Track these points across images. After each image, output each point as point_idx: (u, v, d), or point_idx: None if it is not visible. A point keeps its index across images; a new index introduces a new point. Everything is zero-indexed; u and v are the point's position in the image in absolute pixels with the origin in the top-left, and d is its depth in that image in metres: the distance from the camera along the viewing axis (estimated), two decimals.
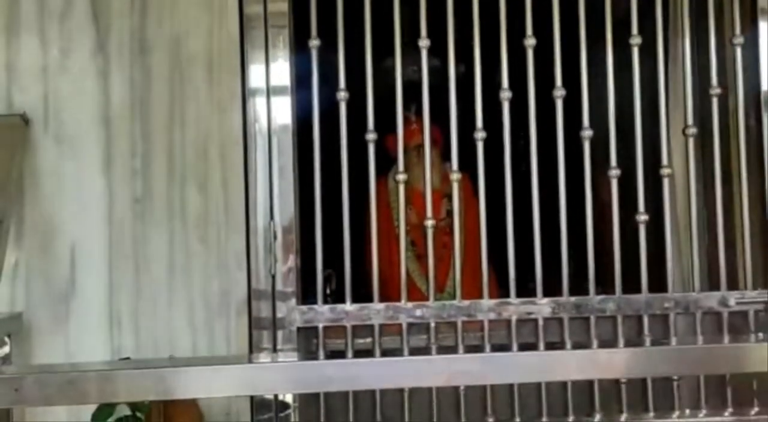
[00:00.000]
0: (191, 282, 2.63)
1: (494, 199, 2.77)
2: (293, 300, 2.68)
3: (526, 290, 2.84)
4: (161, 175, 2.65)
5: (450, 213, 3.14)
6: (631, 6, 2.79)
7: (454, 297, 2.76)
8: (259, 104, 2.70)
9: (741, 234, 2.82)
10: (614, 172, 2.78)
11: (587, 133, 2.77)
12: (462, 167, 2.79)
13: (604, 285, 2.97)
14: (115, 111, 2.65)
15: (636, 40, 2.79)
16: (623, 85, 2.82)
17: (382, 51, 2.80)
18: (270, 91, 2.70)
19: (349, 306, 2.69)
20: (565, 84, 2.77)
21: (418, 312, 2.71)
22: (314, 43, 2.72)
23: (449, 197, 3.11)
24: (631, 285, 2.78)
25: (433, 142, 2.94)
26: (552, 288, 2.77)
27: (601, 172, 2.87)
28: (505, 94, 2.75)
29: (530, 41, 2.76)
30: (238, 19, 2.68)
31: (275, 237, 2.67)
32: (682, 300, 2.78)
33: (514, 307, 2.73)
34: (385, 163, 3.21)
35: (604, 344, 2.65)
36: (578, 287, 2.83)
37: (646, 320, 2.77)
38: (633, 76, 2.79)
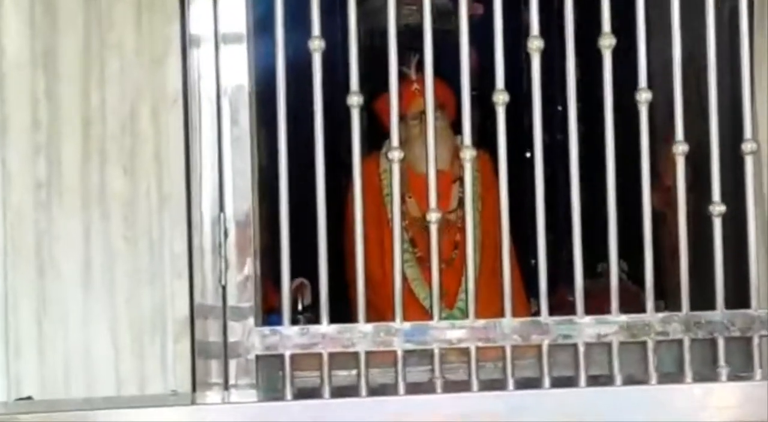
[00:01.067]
0: (114, 293, 2.63)
1: (521, 183, 2.78)
2: (251, 320, 2.68)
3: (562, 305, 2.85)
4: (73, 151, 2.64)
5: (462, 202, 3.14)
6: None
7: (466, 314, 2.76)
8: (204, 56, 2.70)
9: None
10: (681, 148, 2.78)
11: (645, 95, 2.77)
12: (478, 141, 2.79)
13: (667, 298, 2.97)
14: (10, 65, 2.64)
15: None
16: (693, 34, 2.82)
17: None
18: (219, 39, 2.69)
19: (325, 327, 2.69)
20: (615, 30, 2.77)
21: (419, 335, 2.71)
22: None
23: (461, 181, 3.11)
24: (703, 298, 2.79)
25: (440, 107, 2.93)
26: (597, 303, 2.78)
27: (664, 148, 2.87)
28: (535, 44, 2.75)
29: None
30: None
31: (226, 235, 2.67)
32: None
33: (547, 328, 2.74)
34: (376, 135, 3.21)
35: (665, 378, 2.67)
36: (632, 301, 2.83)
37: (721, 344, 2.77)
38: (706, 21, 2.80)
